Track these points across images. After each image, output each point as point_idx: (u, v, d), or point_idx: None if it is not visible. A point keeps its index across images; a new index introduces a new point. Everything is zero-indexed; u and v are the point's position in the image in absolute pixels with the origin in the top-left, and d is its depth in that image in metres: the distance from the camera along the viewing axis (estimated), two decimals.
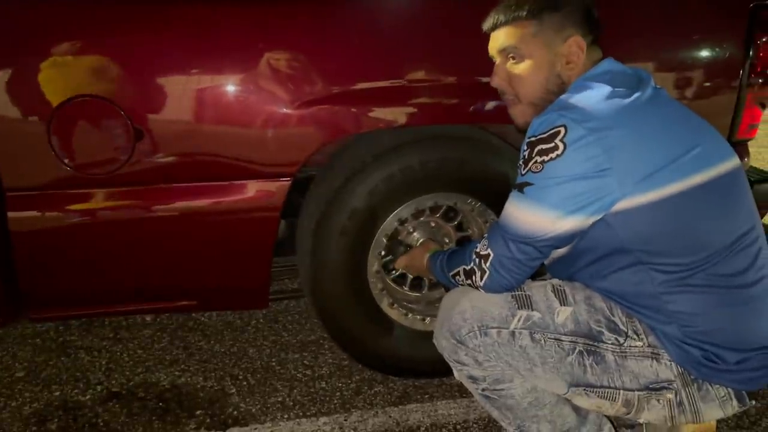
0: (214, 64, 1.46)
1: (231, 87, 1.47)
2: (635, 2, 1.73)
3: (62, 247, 1.52)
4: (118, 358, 1.98)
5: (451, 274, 1.27)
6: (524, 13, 1.18)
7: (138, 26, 1.45)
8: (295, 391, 1.83)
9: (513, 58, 1.22)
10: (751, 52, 1.73)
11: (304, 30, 1.52)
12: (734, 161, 1.14)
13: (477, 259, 1.18)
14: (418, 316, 1.84)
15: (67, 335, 2.11)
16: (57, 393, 1.80)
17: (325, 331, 1.85)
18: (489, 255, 1.16)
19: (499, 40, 1.24)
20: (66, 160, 1.43)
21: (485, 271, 1.16)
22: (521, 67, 1.22)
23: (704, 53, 1.77)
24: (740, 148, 1.83)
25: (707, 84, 1.78)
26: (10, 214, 1.45)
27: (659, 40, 1.74)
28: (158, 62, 1.44)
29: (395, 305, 1.82)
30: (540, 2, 1.18)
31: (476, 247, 1.20)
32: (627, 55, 1.64)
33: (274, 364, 1.97)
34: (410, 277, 1.82)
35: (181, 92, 1.45)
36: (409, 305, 1.86)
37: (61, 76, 1.40)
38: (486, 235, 1.20)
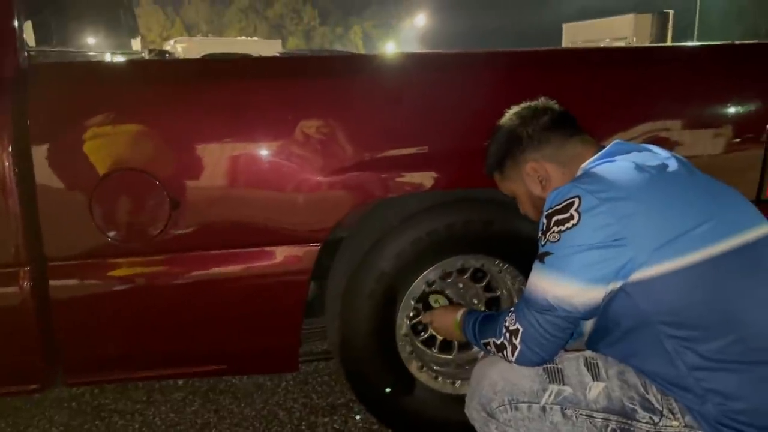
0: (246, 136, 1.53)
1: (262, 158, 1.53)
2: (662, 64, 1.77)
3: (100, 315, 1.56)
4: (150, 422, 2.00)
5: (483, 342, 1.28)
6: (489, 171, 1.41)
7: (173, 102, 1.53)
8: None
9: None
10: None
11: (331, 101, 1.58)
12: (763, 229, 1.12)
13: (507, 334, 1.18)
14: (449, 380, 1.82)
15: (102, 398, 2.14)
16: None
17: (354, 394, 1.84)
18: (518, 330, 1.16)
19: None
20: (106, 231, 1.49)
21: (516, 347, 1.16)
22: (518, 202, 1.40)
23: (730, 110, 1.78)
24: None
25: (734, 140, 1.78)
26: (51, 283, 1.51)
27: (684, 99, 1.75)
28: (192, 136, 1.51)
29: (424, 368, 1.81)
30: (491, 159, 1.39)
31: (505, 321, 1.20)
32: (653, 113, 1.70)
33: (304, 428, 1.96)
34: (439, 339, 1.82)
35: (214, 164, 1.51)
36: (439, 368, 1.84)
37: (102, 150, 1.48)
38: (513, 308, 1.20)
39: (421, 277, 1.72)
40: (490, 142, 1.39)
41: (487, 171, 1.42)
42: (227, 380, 2.24)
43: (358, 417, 2.00)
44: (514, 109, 1.36)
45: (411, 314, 1.77)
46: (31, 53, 1.58)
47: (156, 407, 2.08)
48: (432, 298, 1.68)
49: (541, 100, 1.34)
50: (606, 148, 1.22)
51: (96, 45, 2.84)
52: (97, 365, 1.64)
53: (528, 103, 1.35)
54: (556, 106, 1.33)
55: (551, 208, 1.13)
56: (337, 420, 2.00)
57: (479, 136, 1.61)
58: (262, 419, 2.01)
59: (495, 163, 1.37)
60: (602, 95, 1.70)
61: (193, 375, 1.98)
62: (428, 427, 1.81)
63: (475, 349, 1.83)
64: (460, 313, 1.44)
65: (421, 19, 52.51)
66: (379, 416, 1.84)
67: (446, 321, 1.49)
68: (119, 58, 2.93)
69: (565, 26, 31.42)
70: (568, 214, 1.09)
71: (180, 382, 2.22)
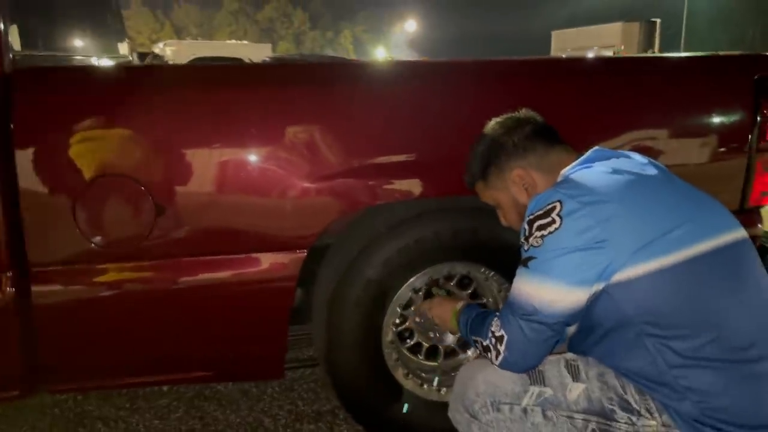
0: (233, 143, 1.52)
1: (249, 164, 1.53)
2: (646, 73, 1.79)
3: (83, 321, 1.55)
4: (134, 429, 1.98)
5: (473, 338, 1.29)
6: (472, 180, 1.41)
7: (159, 107, 1.52)
8: None
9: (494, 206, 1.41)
10: (758, 119, 1.76)
11: (319, 108, 1.58)
12: (738, 233, 1.15)
13: (492, 339, 1.19)
14: (434, 387, 1.82)
15: (85, 405, 2.11)
16: None
17: (340, 401, 1.84)
18: (503, 337, 1.17)
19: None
20: (90, 236, 1.48)
21: (500, 354, 1.17)
22: (499, 212, 1.41)
23: (714, 120, 1.80)
24: (752, 214, 1.83)
25: (719, 150, 1.79)
26: (34, 288, 1.49)
27: (669, 109, 1.77)
28: (178, 142, 1.50)
29: (410, 375, 1.81)
30: (475, 168, 1.39)
31: (491, 325, 1.20)
32: (638, 123, 1.72)
33: None
34: (425, 346, 1.82)
35: (200, 170, 1.50)
36: (424, 375, 1.84)
37: (87, 156, 1.47)
38: (499, 313, 1.21)
39: (407, 284, 1.72)
40: (473, 151, 1.40)
41: (469, 180, 1.43)
42: (212, 387, 2.22)
43: (343, 424, 1.99)
44: (497, 119, 1.38)
45: (397, 321, 1.77)
46: (16, 57, 1.56)
47: (140, 414, 2.07)
48: (434, 291, 1.71)
49: (523, 111, 1.37)
50: (585, 155, 1.24)
51: (83, 49, 2.82)
52: (80, 372, 1.63)
53: (510, 114, 1.37)
54: (538, 117, 1.35)
55: (533, 213, 1.15)
56: (323, 427, 1.99)
57: (467, 145, 1.63)
58: (248, 426, 1.99)
59: (480, 171, 1.38)
60: (591, 104, 1.71)
61: (178, 382, 1.97)
62: None
63: (461, 356, 1.84)
64: (460, 304, 1.44)
65: (411, 25, 52.71)
66: (363, 423, 1.84)
67: (444, 309, 1.49)
68: (106, 62, 2.92)
69: (554, 33, 31.65)
70: (549, 219, 1.11)
71: (164, 388, 2.21)
